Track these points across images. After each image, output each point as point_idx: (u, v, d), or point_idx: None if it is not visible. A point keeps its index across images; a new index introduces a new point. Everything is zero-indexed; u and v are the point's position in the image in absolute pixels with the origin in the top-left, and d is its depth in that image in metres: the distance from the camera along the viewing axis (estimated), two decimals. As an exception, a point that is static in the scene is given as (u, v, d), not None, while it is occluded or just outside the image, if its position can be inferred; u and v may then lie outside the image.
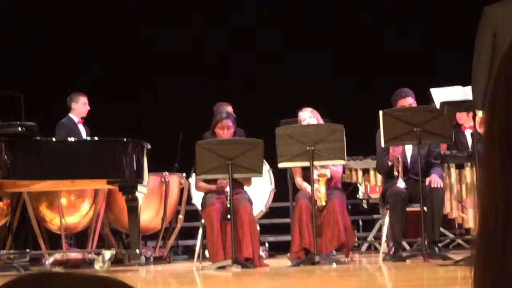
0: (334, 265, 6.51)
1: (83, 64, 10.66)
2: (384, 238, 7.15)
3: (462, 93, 6.05)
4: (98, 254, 7.18)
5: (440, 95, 6.23)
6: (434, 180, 6.81)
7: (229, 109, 8.43)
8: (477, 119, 5.62)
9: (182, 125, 9.36)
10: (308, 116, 7.08)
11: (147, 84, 10.74)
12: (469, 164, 7.15)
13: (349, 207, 8.11)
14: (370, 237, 8.79)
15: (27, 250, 7.57)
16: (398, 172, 6.88)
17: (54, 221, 7.63)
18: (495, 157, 0.70)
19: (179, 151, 9.41)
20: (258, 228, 7.42)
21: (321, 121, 7.15)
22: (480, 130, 5.63)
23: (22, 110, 9.50)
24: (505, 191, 0.69)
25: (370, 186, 8.22)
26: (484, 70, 5.09)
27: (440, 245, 7.35)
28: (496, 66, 0.79)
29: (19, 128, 6.59)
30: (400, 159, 6.91)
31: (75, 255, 7.63)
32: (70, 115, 8.46)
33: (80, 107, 8.46)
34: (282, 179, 8.26)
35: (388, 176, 7.05)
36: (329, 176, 6.98)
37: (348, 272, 6.13)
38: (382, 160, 7.06)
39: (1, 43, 10.25)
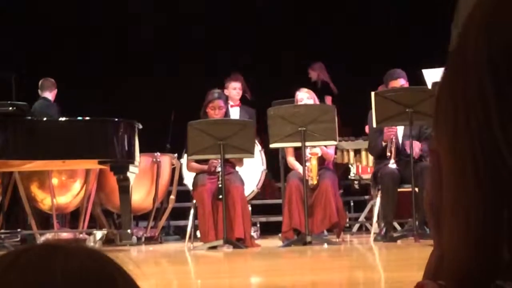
0: (326, 245, 6.53)
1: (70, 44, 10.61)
2: (375, 219, 7.17)
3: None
4: (89, 234, 7.19)
5: (432, 75, 6.23)
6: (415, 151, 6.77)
7: (237, 84, 8.40)
8: None
9: (174, 105, 9.34)
10: (306, 97, 7.08)
11: (135, 62, 10.68)
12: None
13: (341, 187, 8.13)
14: (362, 217, 8.81)
15: (18, 230, 7.56)
16: (391, 153, 6.88)
17: (45, 201, 7.63)
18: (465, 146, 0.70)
19: (170, 131, 9.40)
20: (250, 208, 7.44)
21: (317, 102, 7.15)
22: None
23: (12, 92, 9.44)
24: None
25: (361, 167, 8.24)
26: None
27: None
28: None
29: (10, 108, 6.57)
30: (394, 140, 6.91)
31: (66, 235, 7.62)
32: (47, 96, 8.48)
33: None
34: (274, 159, 8.27)
35: (380, 157, 7.05)
36: (320, 155, 6.98)
37: (339, 252, 6.15)
38: (375, 141, 7.06)
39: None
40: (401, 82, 7.09)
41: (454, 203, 0.72)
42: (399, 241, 6.57)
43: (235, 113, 8.29)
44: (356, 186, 8.49)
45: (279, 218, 7.76)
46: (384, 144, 6.96)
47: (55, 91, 8.51)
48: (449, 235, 0.75)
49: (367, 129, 7.70)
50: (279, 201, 8.45)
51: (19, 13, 10.69)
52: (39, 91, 8.46)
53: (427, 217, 0.82)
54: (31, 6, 10.73)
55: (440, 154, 0.76)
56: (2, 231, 7.41)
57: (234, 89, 8.37)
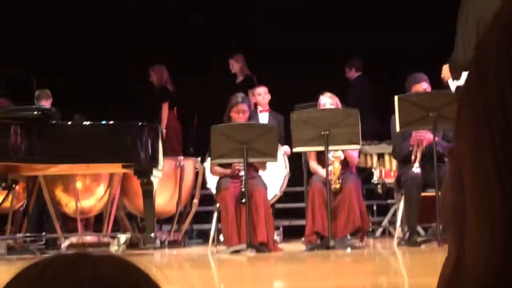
0: (349, 250, 6.51)
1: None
2: (398, 223, 7.14)
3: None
4: (113, 237, 7.21)
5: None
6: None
7: (261, 90, 8.41)
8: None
9: (196, 110, 9.38)
10: (329, 103, 7.07)
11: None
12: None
13: (364, 191, 8.11)
14: (385, 222, 8.78)
15: (43, 233, 7.61)
16: (416, 157, 6.85)
17: (69, 204, 7.67)
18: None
19: (194, 134, 9.43)
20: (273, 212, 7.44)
21: (340, 106, 7.15)
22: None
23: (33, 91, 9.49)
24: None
25: (385, 171, 8.21)
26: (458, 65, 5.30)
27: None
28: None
29: (35, 112, 6.62)
30: (423, 144, 6.85)
31: (90, 238, 7.66)
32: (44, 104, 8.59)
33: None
34: (297, 163, 8.26)
35: (404, 161, 7.02)
36: (343, 158, 6.97)
37: (363, 257, 6.14)
38: (399, 145, 7.03)
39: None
40: (424, 85, 7.05)
41: (478, 213, 0.72)
42: (422, 246, 6.54)
43: (264, 118, 8.31)
44: (379, 190, 8.46)
45: (302, 222, 7.77)
46: (410, 148, 6.92)
47: (50, 100, 8.65)
48: (473, 243, 0.75)
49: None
50: (302, 204, 8.45)
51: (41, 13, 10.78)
52: (35, 101, 8.57)
53: (443, 220, 0.82)
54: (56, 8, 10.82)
55: (460, 159, 0.75)
56: (27, 234, 7.46)
57: (259, 94, 8.39)
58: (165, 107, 9.13)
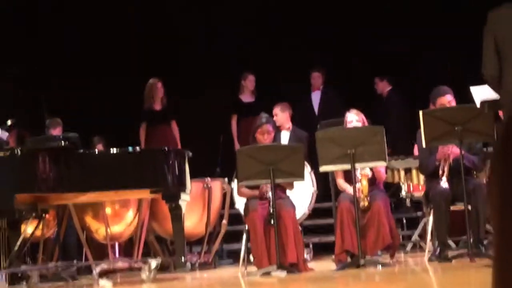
0: (379, 267, 6.49)
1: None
2: (429, 238, 7.11)
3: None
4: (144, 262, 7.24)
5: (480, 93, 6.17)
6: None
7: (276, 111, 8.44)
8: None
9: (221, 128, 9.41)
10: (355, 119, 7.07)
11: (185, 90, 10.77)
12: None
13: (392, 205, 8.09)
14: (415, 236, 8.74)
15: (75, 261, 7.65)
16: (443, 172, 6.82)
17: (99, 231, 7.72)
18: None
19: (220, 154, 9.46)
20: (301, 230, 7.43)
21: (366, 123, 7.14)
22: None
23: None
24: None
25: (413, 185, 8.18)
26: (491, 75, 5.35)
27: (485, 242, 7.28)
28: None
29: (62, 142, 6.68)
30: (450, 158, 6.82)
31: (121, 264, 7.70)
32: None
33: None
34: (324, 180, 8.26)
35: (431, 176, 7.00)
36: (371, 176, 6.96)
37: (394, 276, 6.12)
38: (426, 160, 7.00)
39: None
40: (448, 98, 7.03)
41: None
42: (454, 261, 6.50)
43: (284, 137, 8.32)
44: (408, 204, 8.43)
45: (331, 238, 7.75)
46: (437, 163, 6.89)
47: (60, 128, 8.79)
48: None
49: (415, 149, 7.66)
50: (331, 220, 8.45)
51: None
52: (46, 130, 8.68)
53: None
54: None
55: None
56: (59, 263, 7.52)
57: (276, 115, 8.43)
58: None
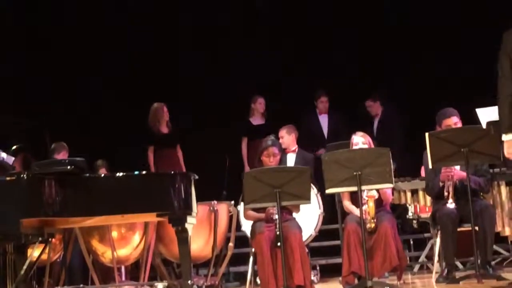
0: (387, 289, 6.47)
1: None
2: (436, 259, 7.09)
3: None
4: (151, 286, 7.23)
5: (486, 114, 6.19)
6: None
7: (281, 133, 8.44)
8: (504, 144, 5.56)
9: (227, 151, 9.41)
10: (361, 142, 7.08)
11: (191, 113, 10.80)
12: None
13: (399, 226, 8.06)
14: (422, 257, 8.72)
15: (81, 285, 7.63)
16: (449, 193, 6.81)
17: (106, 254, 7.70)
18: None
19: (226, 176, 9.45)
20: (308, 251, 7.41)
21: (372, 145, 7.14)
22: (508, 154, 5.56)
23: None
24: None
25: (419, 207, 8.16)
26: (506, 95, 5.31)
27: (493, 263, 7.26)
28: None
29: (68, 167, 6.67)
30: (451, 179, 6.83)
31: (128, 287, 7.68)
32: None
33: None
34: (331, 201, 8.24)
35: (438, 197, 6.99)
36: (377, 197, 6.95)
37: (402, 298, 6.09)
38: (432, 181, 7.00)
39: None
40: (454, 119, 7.04)
41: None
42: (461, 282, 6.48)
43: (290, 159, 8.31)
44: (415, 225, 8.41)
45: (338, 260, 7.73)
46: (441, 184, 6.89)
47: (65, 152, 8.88)
48: None
49: (422, 170, 7.66)
50: (337, 242, 8.42)
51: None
52: (50, 154, 8.71)
53: None
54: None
55: None
56: (65, 287, 7.50)
57: (282, 137, 8.43)
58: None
